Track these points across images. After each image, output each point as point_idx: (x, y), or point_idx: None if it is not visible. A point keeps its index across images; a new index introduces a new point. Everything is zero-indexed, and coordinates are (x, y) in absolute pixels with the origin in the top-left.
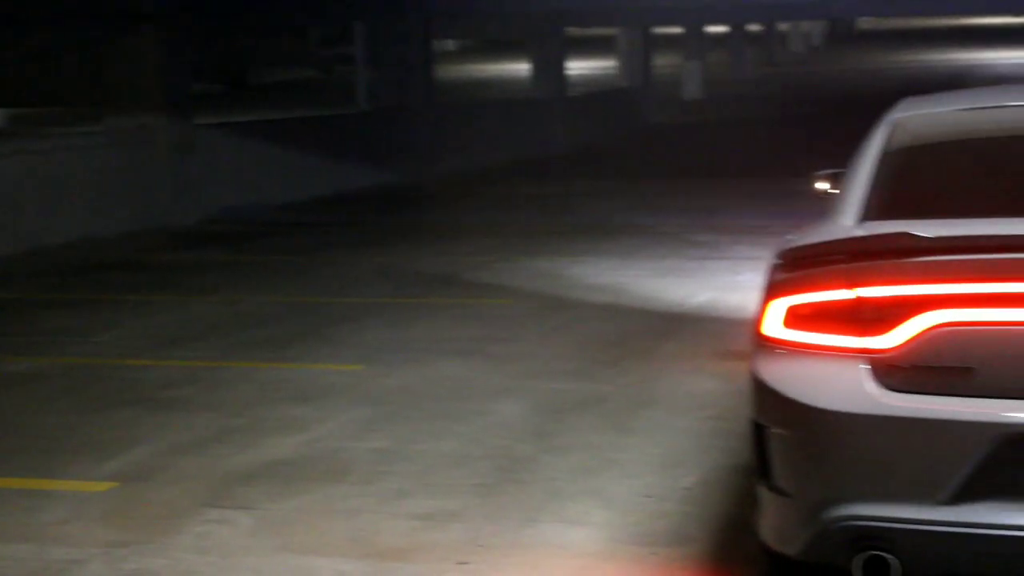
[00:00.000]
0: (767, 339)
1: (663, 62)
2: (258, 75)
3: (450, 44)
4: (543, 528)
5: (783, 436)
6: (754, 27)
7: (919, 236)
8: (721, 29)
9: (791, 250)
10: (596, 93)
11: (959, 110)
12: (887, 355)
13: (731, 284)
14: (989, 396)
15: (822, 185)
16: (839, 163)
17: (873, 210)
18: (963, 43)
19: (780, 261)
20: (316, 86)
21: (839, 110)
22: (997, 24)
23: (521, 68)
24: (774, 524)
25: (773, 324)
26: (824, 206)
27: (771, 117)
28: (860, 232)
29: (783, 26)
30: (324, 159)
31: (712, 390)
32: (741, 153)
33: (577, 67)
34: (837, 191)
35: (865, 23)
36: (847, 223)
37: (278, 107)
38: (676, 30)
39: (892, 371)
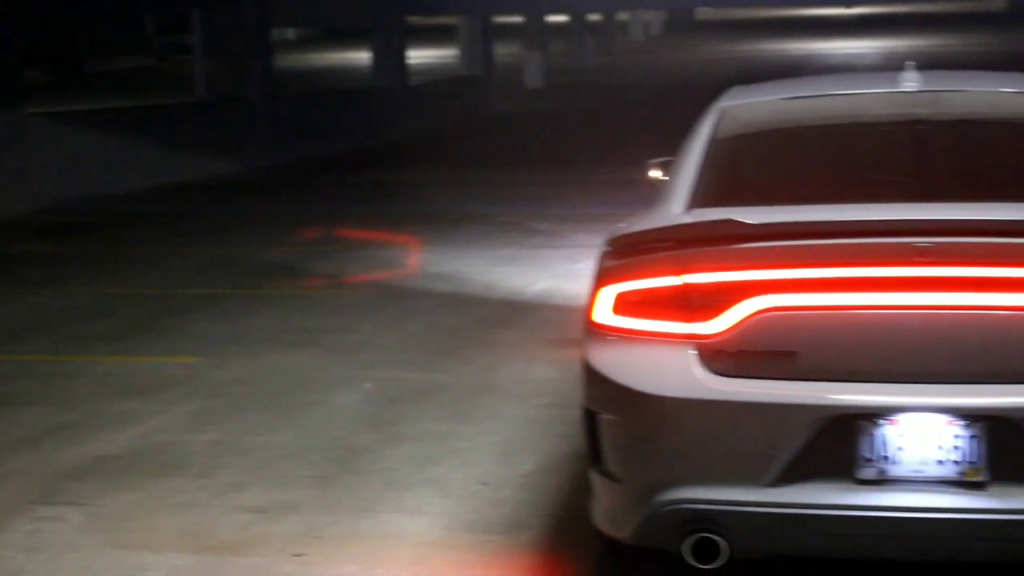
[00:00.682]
0: (597, 326)
1: (505, 51)
2: (93, 64)
3: (290, 33)
4: (380, 518)
5: (613, 422)
6: (594, 16)
7: (744, 223)
8: (562, 18)
9: (620, 238)
10: (438, 82)
11: (785, 99)
12: (714, 340)
13: (569, 272)
14: (813, 379)
15: (655, 173)
16: (675, 151)
17: (701, 197)
18: (799, 34)
19: (609, 249)
20: (153, 75)
21: (678, 98)
22: (832, 15)
23: (362, 57)
24: (606, 509)
25: (603, 311)
26: (656, 194)
27: (611, 105)
28: (687, 219)
29: (623, 16)
30: (161, 149)
31: (549, 378)
32: (582, 141)
33: (418, 56)
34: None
35: (703, 13)
36: (675, 210)
37: (114, 96)
38: (517, 19)
39: (719, 356)
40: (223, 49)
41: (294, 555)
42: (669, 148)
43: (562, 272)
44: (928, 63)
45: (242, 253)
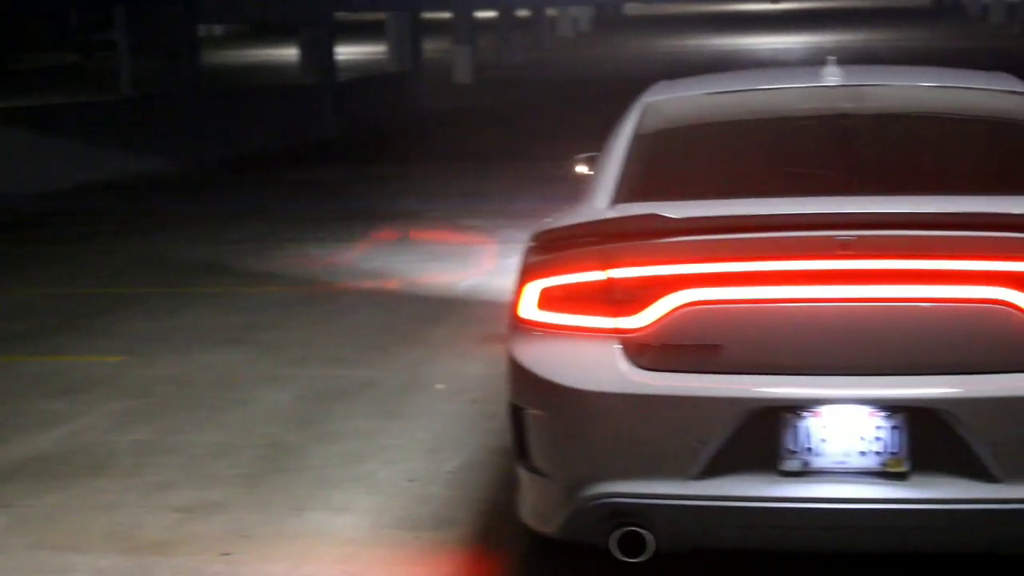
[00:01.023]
0: (523, 321)
1: (433, 47)
2: (18, 60)
3: (217, 29)
4: (308, 517)
5: (539, 417)
6: (523, 12)
7: (667, 217)
8: (490, 14)
9: (544, 233)
10: (366, 78)
11: (709, 93)
12: (639, 334)
13: (499, 268)
14: (737, 372)
15: (581, 168)
16: (602, 146)
17: (625, 192)
18: (727, 29)
19: (534, 244)
20: (79, 72)
21: (607, 93)
22: (759, 11)
23: (291, 53)
24: (533, 504)
25: (528, 306)
26: (581, 189)
27: (541, 101)
28: (612, 214)
29: (552, 11)
30: (87, 146)
31: (478, 374)
32: (512, 137)
33: (347, 52)
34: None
35: (632, 9)
36: (600, 205)
37: (39, 93)
38: (446, 15)
39: (644, 350)
40: (149, 45)
41: (222, 554)
42: (598, 143)
43: (492, 268)
44: (854, 58)
45: (169, 251)
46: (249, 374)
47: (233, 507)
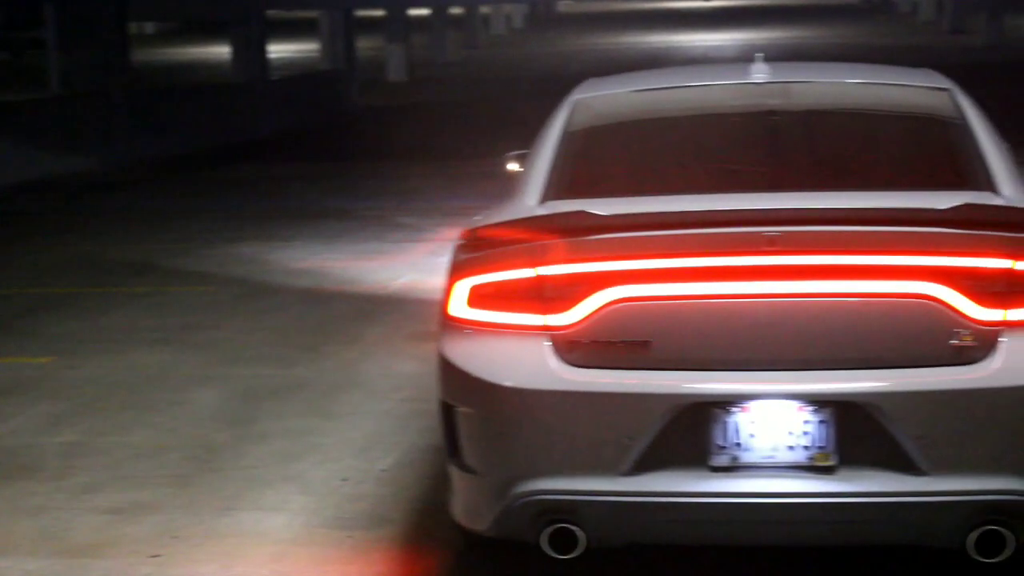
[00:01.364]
0: (452, 319)
1: (367, 45)
2: None
3: (149, 27)
4: (240, 517)
5: (469, 415)
6: (456, 10)
7: (595, 215)
8: (423, 12)
9: (473, 230)
10: (299, 76)
11: (638, 90)
12: (568, 332)
13: (432, 266)
14: (666, 368)
15: (513, 166)
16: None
17: (554, 190)
18: (660, 27)
19: (463, 242)
20: (8, 70)
21: (540, 90)
22: (692, 8)
23: (223, 51)
24: (464, 502)
25: (458, 304)
26: (511, 186)
27: (474, 98)
28: (541, 211)
29: (485, 9)
30: (15, 145)
31: (411, 372)
32: (445, 134)
33: (279, 50)
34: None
35: (566, 6)
36: (529, 203)
37: None
38: (379, 13)
39: (573, 347)
40: (79, 43)
41: (151, 556)
42: (531, 140)
43: (425, 266)
44: (784, 55)
45: (99, 251)
46: (180, 374)
47: (163, 508)
